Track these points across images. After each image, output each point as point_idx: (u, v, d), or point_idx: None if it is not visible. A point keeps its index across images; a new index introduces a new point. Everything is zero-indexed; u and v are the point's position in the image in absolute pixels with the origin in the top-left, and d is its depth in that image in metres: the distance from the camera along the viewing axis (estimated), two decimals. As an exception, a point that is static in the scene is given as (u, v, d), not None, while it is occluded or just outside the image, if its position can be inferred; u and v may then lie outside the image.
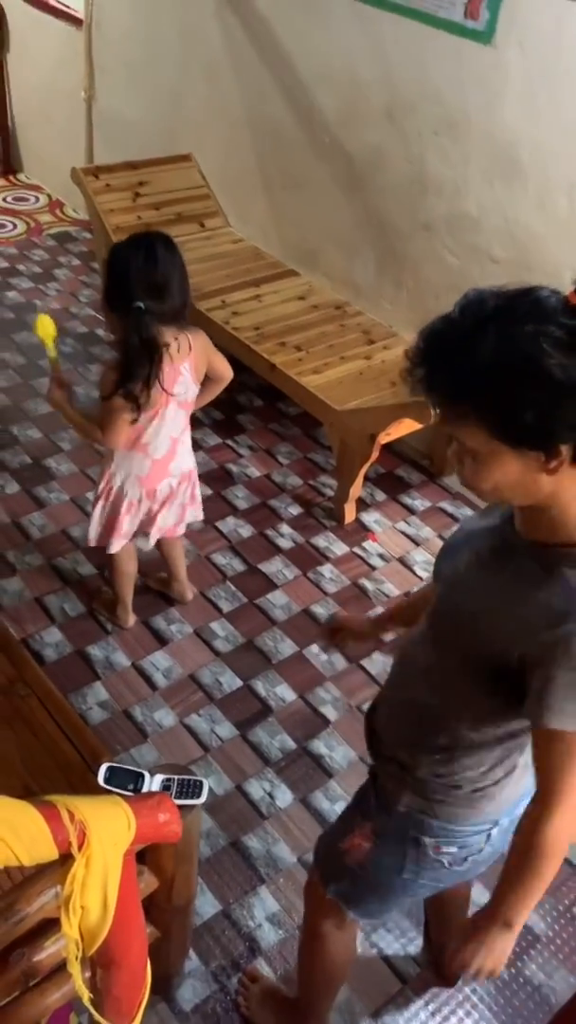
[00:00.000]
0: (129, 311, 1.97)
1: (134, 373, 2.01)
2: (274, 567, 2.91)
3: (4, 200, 5.13)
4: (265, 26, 3.49)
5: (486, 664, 1.13)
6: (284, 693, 2.51)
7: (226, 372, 2.34)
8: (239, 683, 2.52)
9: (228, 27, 3.65)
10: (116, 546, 2.41)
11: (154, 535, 2.44)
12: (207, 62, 3.83)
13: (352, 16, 3.13)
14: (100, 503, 2.35)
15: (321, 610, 2.77)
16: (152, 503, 2.36)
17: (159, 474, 2.31)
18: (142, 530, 2.43)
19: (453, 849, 1.33)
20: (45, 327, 2.15)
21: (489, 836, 1.33)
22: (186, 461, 2.37)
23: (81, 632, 2.60)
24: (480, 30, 2.75)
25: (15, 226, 4.86)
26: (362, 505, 3.20)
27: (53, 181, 5.16)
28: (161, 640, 2.62)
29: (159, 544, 2.53)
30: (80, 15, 4.40)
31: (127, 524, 2.36)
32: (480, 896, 2.05)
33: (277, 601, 2.79)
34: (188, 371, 2.16)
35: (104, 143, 4.62)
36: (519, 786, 1.31)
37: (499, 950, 1.19)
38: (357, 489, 3.06)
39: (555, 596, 1.05)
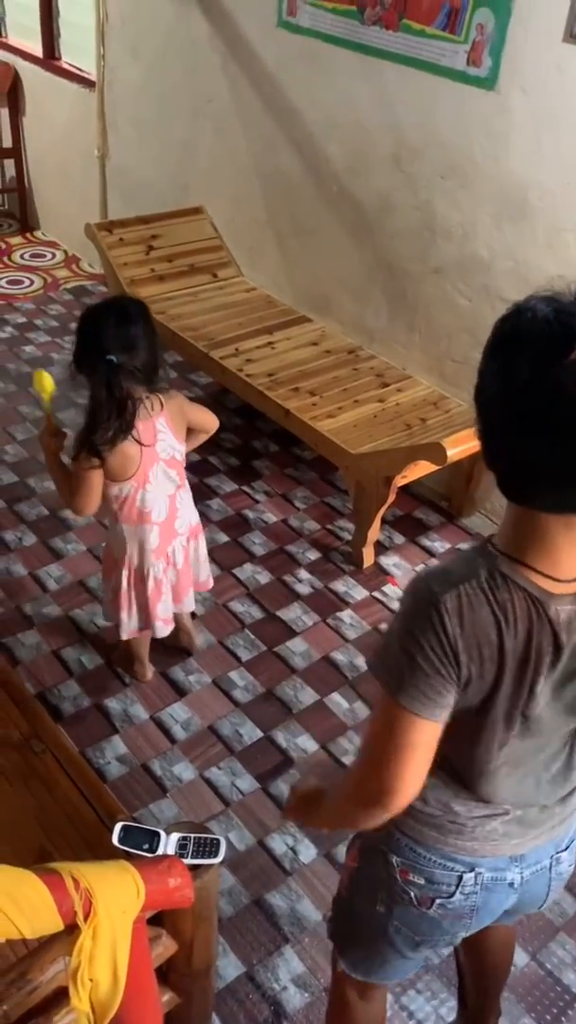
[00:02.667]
0: (100, 366, 1.98)
1: (99, 426, 2.01)
2: (293, 614, 2.88)
3: (22, 257, 5.24)
4: (271, 80, 3.57)
5: None
6: (306, 743, 2.45)
7: (209, 422, 2.33)
8: (259, 734, 2.47)
9: (235, 83, 3.73)
10: (163, 632, 2.40)
11: (189, 599, 2.44)
12: (216, 118, 3.91)
13: (357, 67, 3.19)
14: (124, 590, 2.31)
15: (342, 657, 2.73)
16: (171, 568, 2.34)
17: (167, 538, 2.29)
18: (177, 600, 2.41)
19: (420, 880, 1.25)
20: (43, 383, 2.15)
21: (461, 880, 1.24)
22: (190, 516, 2.35)
23: (99, 685, 2.57)
24: (483, 76, 2.78)
25: (32, 282, 4.95)
26: (380, 548, 3.17)
27: (69, 237, 5.27)
28: (179, 691, 2.58)
29: None
30: (92, 77, 4.53)
31: (161, 609, 2.35)
32: (521, 959, 1.97)
33: (296, 648, 2.75)
34: (166, 428, 2.15)
35: (118, 199, 4.72)
36: (513, 843, 1.23)
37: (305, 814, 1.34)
38: (375, 532, 3.03)
39: None
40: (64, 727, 2.40)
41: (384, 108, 3.16)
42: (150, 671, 2.59)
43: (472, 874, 1.25)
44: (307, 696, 2.59)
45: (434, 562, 3.15)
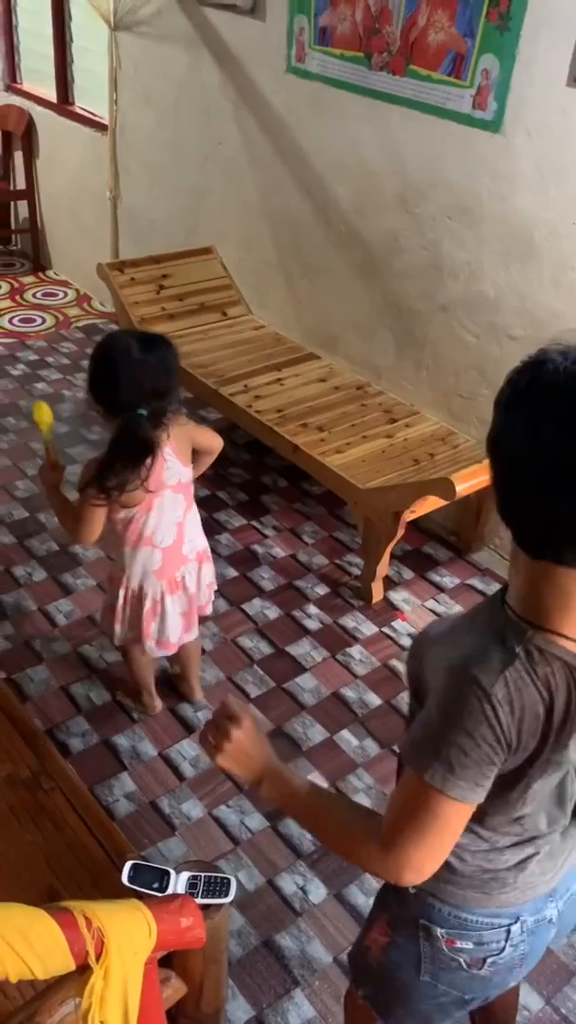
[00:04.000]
0: (129, 415, 1.98)
1: (114, 469, 2.01)
2: (302, 649, 2.87)
3: (34, 296, 5.32)
4: (281, 124, 3.64)
5: None
6: (316, 781, 2.43)
7: (214, 443, 2.32)
8: (268, 771, 2.45)
9: (246, 128, 3.81)
10: (157, 652, 2.38)
11: (195, 628, 2.43)
12: (226, 161, 3.99)
13: (364, 111, 3.26)
14: (120, 606, 2.31)
15: (351, 694, 2.71)
16: (179, 593, 2.33)
17: (174, 563, 2.28)
18: (186, 628, 2.39)
19: (468, 945, 1.23)
20: (42, 413, 2.17)
21: (509, 934, 1.23)
22: (198, 541, 2.35)
23: (107, 721, 2.56)
24: (489, 119, 2.84)
25: (44, 320, 5.02)
26: (390, 583, 3.16)
27: (81, 277, 5.35)
28: (188, 728, 2.56)
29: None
30: (105, 121, 4.63)
31: (155, 629, 2.33)
32: (528, 998, 1.94)
33: (306, 685, 2.73)
34: (172, 456, 2.16)
35: (129, 240, 4.80)
36: (547, 879, 1.22)
37: (241, 762, 1.17)
38: (384, 567, 3.03)
39: (470, 641, 1.04)
40: (72, 764, 2.38)
41: (391, 150, 3.22)
42: (159, 703, 2.58)
43: (518, 924, 1.23)
44: (316, 733, 2.57)
45: (443, 597, 3.15)
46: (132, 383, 1.97)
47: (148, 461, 2.03)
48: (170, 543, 2.25)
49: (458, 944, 1.23)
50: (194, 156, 4.17)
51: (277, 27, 3.48)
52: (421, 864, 1.05)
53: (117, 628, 2.35)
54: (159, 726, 2.56)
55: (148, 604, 2.29)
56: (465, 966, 1.25)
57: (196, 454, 2.29)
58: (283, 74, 3.54)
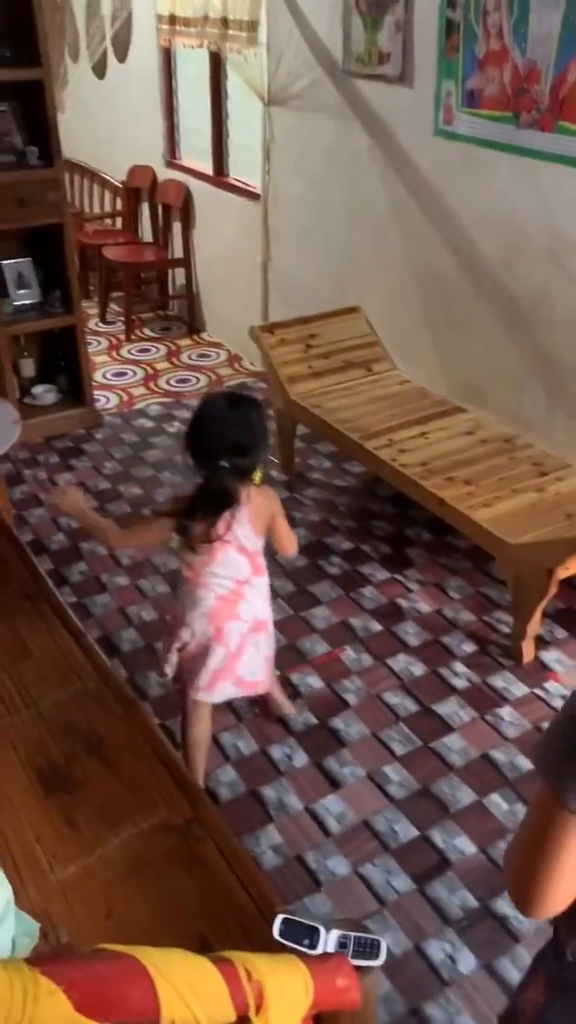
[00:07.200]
0: (214, 466, 2.14)
1: (195, 514, 2.18)
2: (449, 708, 2.81)
3: (190, 357, 5.59)
4: (427, 185, 3.71)
5: None
6: (463, 845, 2.36)
7: (287, 548, 2.38)
8: (415, 832, 2.40)
9: (392, 188, 3.91)
10: (201, 695, 2.40)
11: (232, 690, 2.43)
12: (373, 221, 4.09)
13: (511, 168, 3.28)
14: (178, 641, 2.37)
15: (501, 756, 2.63)
16: (223, 646, 2.35)
17: (226, 612, 2.32)
18: (221, 679, 2.39)
19: None
20: None
21: None
22: (259, 609, 2.38)
23: (254, 771, 2.60)
24: None
25: (199, 380, 5.26)
26: (541, 643, 3.06)
27: (232, 338, 5.58)
28: (333, 783, 2.56)
29: None
30: (258, 191, 4.86)
31: (206, 672, 2.36)
32: None
33: (453, 745, 2.68)
34: (245, 519, 2.23)
35: (278, 301, 4.98)
36: None
37: None
38: (535, 626, 2.95)
39: None
40: (221, 813, 2.41)
41: (539, 204, 3.22)
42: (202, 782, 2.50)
43: None
44: (465, 795, 2.51)
45: (598, 658, 3.02)
46: (214, 434, 2.14)
47: (227, 513, 2.18)
48: (225, 592, 2.31)
49: None
50: (342, 219, 4.30)
51: (424, 93, 3.57)
52: (536, 894, 0.99)
53: (171, 656, 2.41)
54: (304, 779, 2.57)
55: (193, 646, 2.35)
56: None
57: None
58: (430, 137, 3.61)
